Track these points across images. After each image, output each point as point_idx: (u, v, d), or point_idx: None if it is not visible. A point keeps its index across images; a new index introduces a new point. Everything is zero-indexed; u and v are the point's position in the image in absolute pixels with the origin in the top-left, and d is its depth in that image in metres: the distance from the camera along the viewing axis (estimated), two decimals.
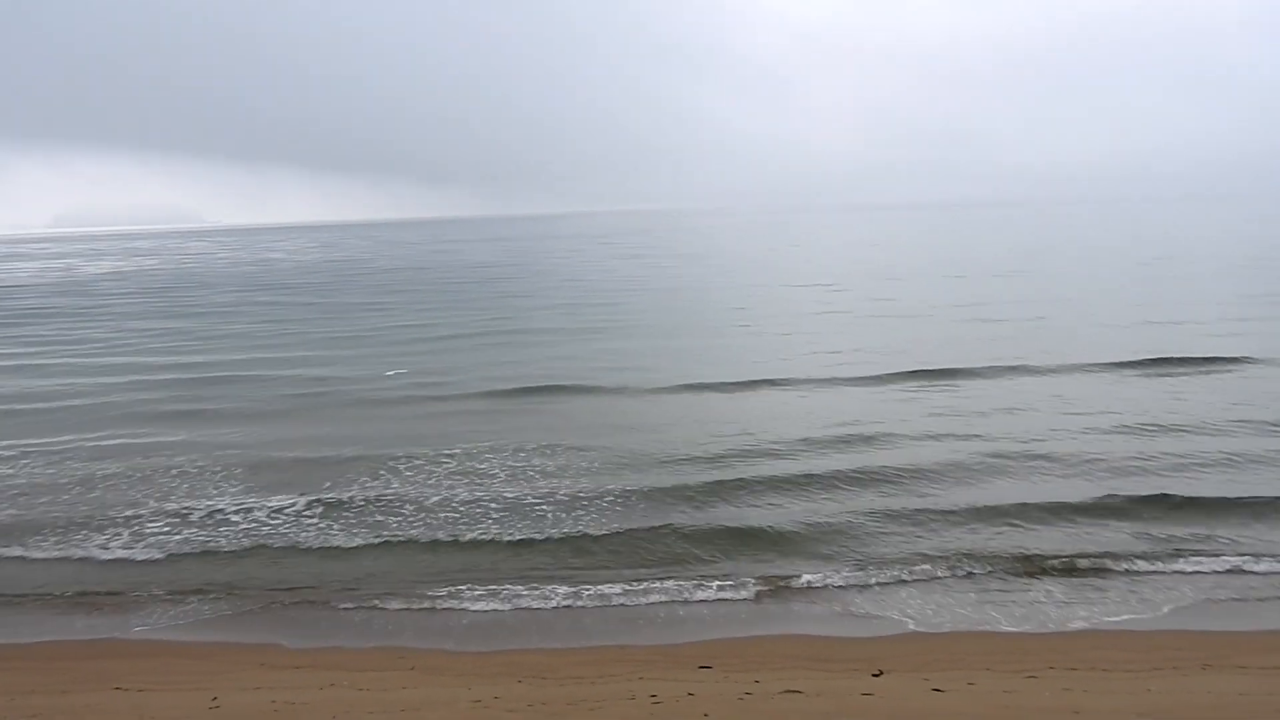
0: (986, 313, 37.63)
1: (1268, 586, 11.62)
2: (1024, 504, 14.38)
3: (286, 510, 15.11)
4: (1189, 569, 12.08)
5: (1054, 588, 11.73)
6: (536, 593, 11.97)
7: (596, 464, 17.22)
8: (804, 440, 18.34)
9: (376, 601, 11.92)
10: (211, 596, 12.18)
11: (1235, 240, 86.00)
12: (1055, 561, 12.33)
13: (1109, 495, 14.62)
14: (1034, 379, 23.97)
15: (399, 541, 13.74)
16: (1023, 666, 9.36)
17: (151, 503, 15.73)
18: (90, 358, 33.37)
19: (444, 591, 12.09)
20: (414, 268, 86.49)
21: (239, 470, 17.51)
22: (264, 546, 13.71)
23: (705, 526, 13.95)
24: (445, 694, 9.03)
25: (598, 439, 18.95)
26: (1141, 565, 12.18)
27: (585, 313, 42.84)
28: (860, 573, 12.21)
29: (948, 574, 12.14)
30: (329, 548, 13.61)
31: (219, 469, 17.63)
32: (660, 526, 13.93)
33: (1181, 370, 24.33)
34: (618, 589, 11.97)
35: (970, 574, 12.13)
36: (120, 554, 13.55)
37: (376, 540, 13.79)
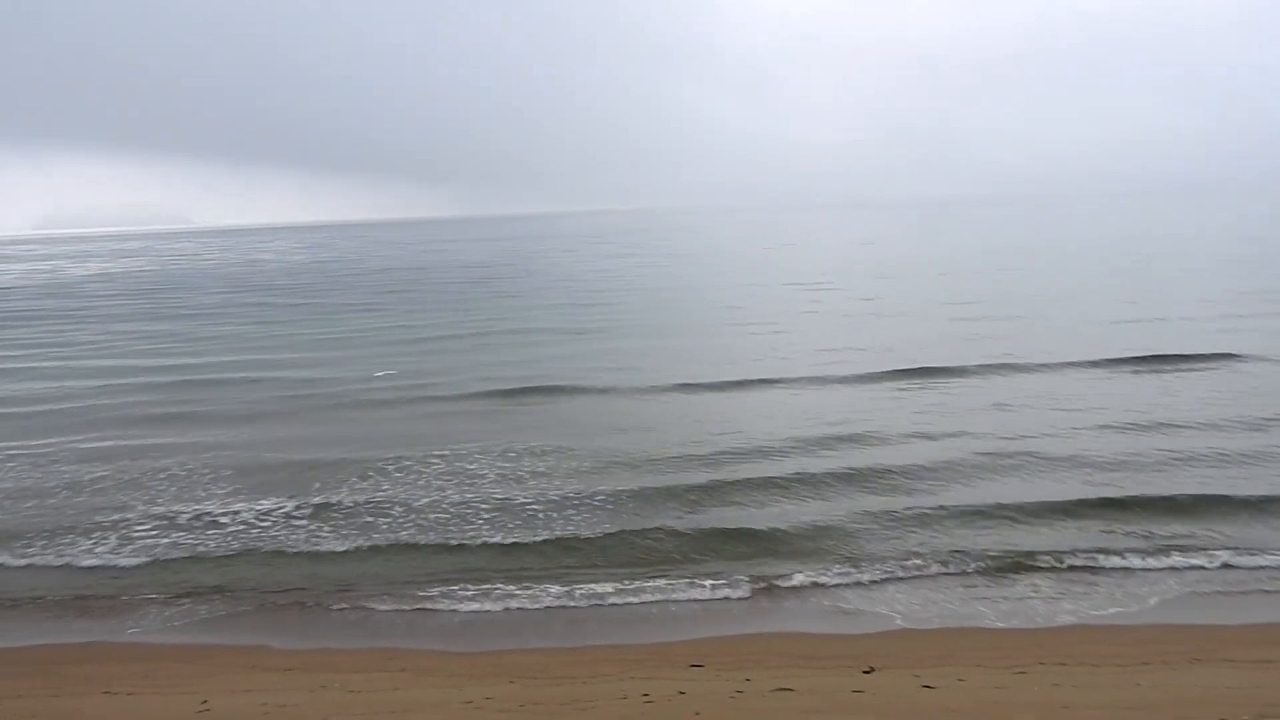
0: (976, 310, 37.75)
1: (1254, 581, 11.70)
2: (1013, 501, 14.43)
3: (275, 512, 15.04)
4: (1177, 564, 12.15)
5: (1043, 584, 11.79)
6: (528, 593, 11.95)
7: (588, 464, 17.21)
8: (795, 439, 18.36)
9: (367, 603, 11.88)
10: (200, 599, 12.11)
11: (1224, 238, 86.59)
12: (1044, 558, 12.38)
13: (1097, 492, 14.68)
14: (1023, 376, 24.05)
15: (389, 543, 13.69)
16: (1012, 662, 9.39)
17: (139, 506, 15.64)
18: (77, 360, 33.14)
19: (435, 592, 12.06)
20: (405, 268, 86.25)
21: (227, 473, 17.42)
22: (253, 549, 13.64)
23: (697, 525, 13.95)
24: (437, 695, 9.02)
25: (589, 439, 18.93)
26: (1130, 561, 12.24)
27: (577, 313, 42.81)
28: (851, 570, 12.24)
29: (938, 571, 12.19)
30: (318, 549, 13.55)
31: (207, 472, 17.53)
32: (652, 526, 13.93)
33: (1170, 367, 24.45)
34: (609, 588, 11.96)
35: (960, 571, 12.18)
36: (108, 558, 13.46)
37: (366, 542, 13.73)
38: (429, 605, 11.78)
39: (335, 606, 11.83)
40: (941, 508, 14.31)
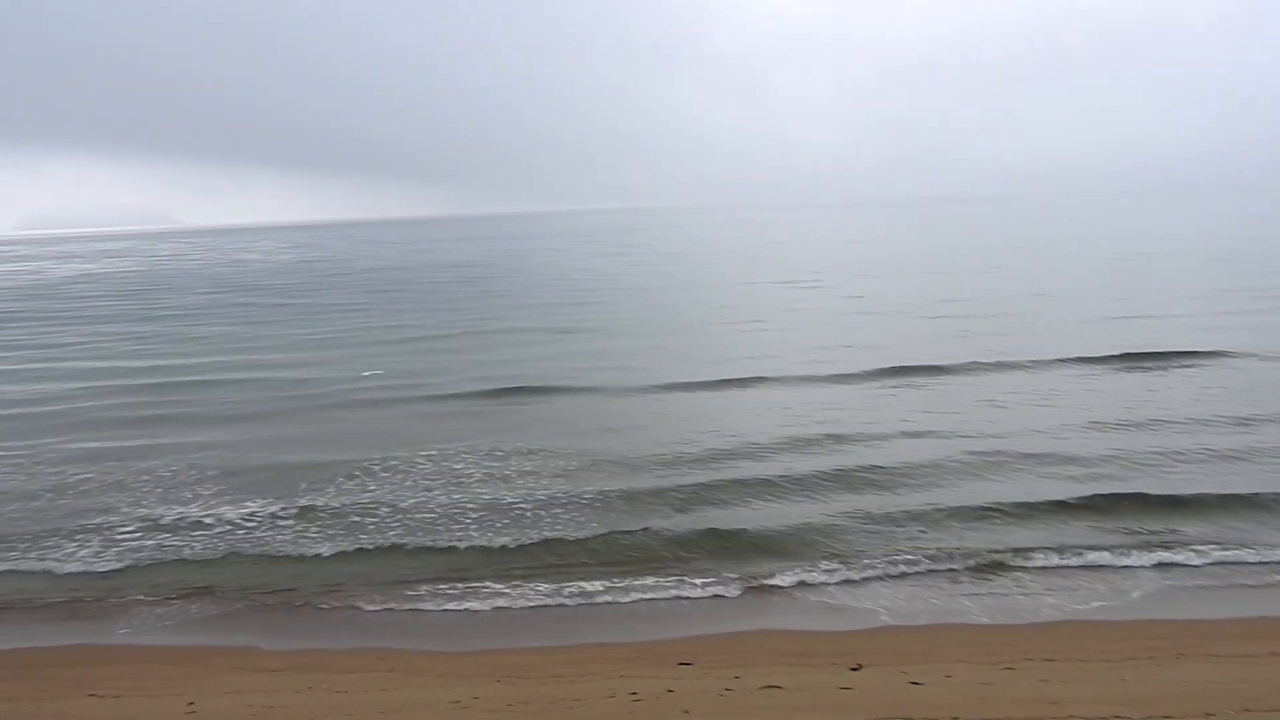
0: (965, 309, 37.90)
1: (1238, 576, 11.79)
2: (1000, 498, 14.48)
3: (262, 514, 14.96)
4: (1163, 560, 12.22)
5: (1029, 580, 11.84)
6: (516, 592, 11.93)
7: (576, 463, 17.18)
8: (783, 439, 18.37)
9: (354, 603, 11.83)
10: (187, 601, 12.04)
11: (1212, 235, 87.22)
12: (1031, 554, 12.43)
13: (1085, 489, 14.76)
14: (1011, 375, 24.16)
15: (376, 543, 13.63)
16: (999, 658, 9.43)
17: (124, 508, 15.52)
18: (62, 362, 32.88)
19: (423, 591, 12.03)
20: (393, 267, 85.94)
21: (213, 474, 17.31)
22: (239, 550, 13.56)
23: (685, 525, 13.94)
24: (425, 695, 9.00)
25: (577, 439, 18.91)
26: (1117, 557, 12.30)
27: (566, 312, 42.75)
28: (839, 568, 12.26)
29: (925, 568, 12.22)
30: (305, 550, 13.48)
31: (193, 473, 17.42)
32: (640, 525, 13.91)
33: (1159, 365, 24.60)
34: (598, 586, 11.95)
35: (947, 568, 12.21)
36: (93, 560, 13.35)
37: (353, 543, 13.66)
38: (417, 605, 11.74)
39: (323, 607, 11.79)
40: (929, 505, 14.35)
